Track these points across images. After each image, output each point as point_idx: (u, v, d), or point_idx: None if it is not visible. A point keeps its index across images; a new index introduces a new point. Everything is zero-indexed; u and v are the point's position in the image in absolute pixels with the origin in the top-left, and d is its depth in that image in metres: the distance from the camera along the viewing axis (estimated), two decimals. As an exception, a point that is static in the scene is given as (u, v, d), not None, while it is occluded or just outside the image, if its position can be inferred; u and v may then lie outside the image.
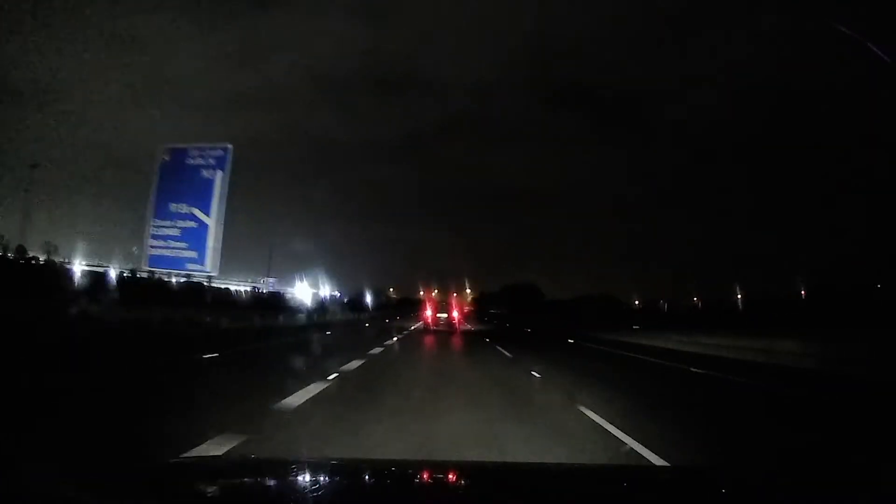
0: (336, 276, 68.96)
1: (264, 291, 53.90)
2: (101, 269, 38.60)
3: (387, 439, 6.31)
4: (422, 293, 67.18)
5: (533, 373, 13.77)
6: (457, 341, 28.19)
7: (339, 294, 68.58)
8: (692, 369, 16.68)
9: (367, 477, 2.50)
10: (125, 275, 36.81)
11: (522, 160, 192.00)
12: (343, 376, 11.57)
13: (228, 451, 5.46)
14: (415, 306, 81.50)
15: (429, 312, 40.08)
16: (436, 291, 44.85)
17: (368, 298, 77.81)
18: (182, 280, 34.91)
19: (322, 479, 2.38)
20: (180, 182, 30.68)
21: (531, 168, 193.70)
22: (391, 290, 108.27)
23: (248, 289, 55.71)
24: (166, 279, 35.44)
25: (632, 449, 6.19)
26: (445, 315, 38.55)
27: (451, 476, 2.60)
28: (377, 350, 18.89)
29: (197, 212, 30.22)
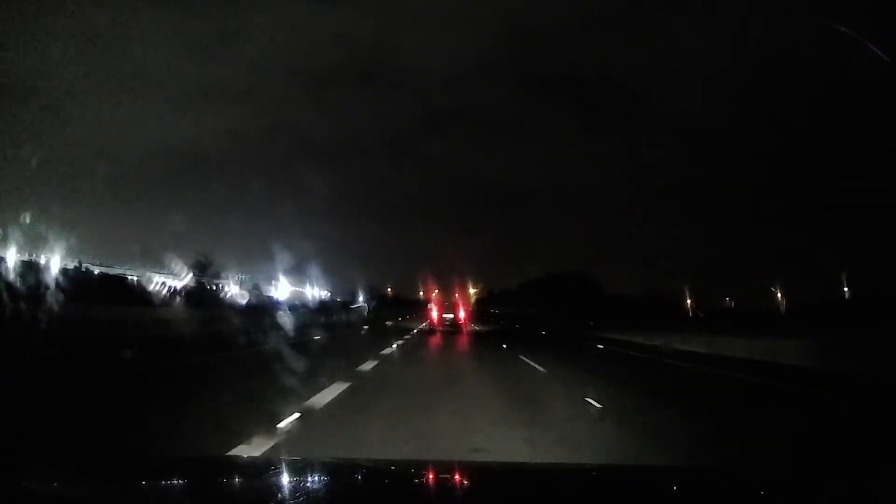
0: (329, 275, 67.24)
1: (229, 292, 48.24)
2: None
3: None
4: (422, 293, 66.65)
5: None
6: (459, 337, 32.53)
7: (329, 294, 66.23)
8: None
9: (367, 477, 2.57)
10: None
11: (513, 155, 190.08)
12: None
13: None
14: (414, 306, 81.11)
15: (434, 313, 39.85)
16: (436, 291, 44.13)
17: (362, 298, 75.11)
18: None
19: (322, 479, 2.49)
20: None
21: (523, 162, 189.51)
22: (389, 289, 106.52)
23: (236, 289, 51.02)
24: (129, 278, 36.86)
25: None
26: (451, 315, 38.85)
27: (451, 476, 2.68)
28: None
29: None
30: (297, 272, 53.84)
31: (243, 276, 53.40)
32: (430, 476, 2.63)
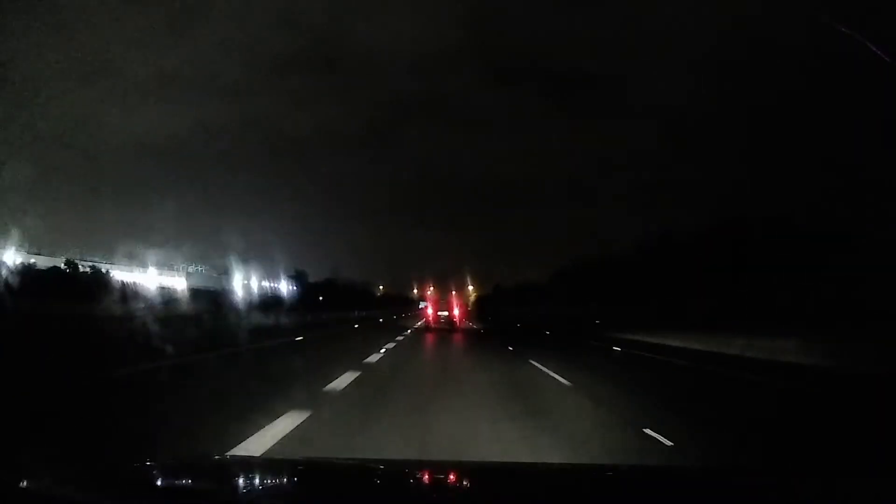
0: (320, 272, 68.99)
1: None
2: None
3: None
4: (415, 291, 67.67)
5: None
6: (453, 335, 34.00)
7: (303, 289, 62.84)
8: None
9: (366, 477, 2.58)
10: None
11: (492, 147, 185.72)
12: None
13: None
14: (408, 305, 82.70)
15: (430, 311, 41.23)
16: (431, 289, 46.64)
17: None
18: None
19: (321, 479, 2.50)
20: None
21: (505, 156, 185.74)
22: (380, 287, 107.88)
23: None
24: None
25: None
26: (446, 313, 39.95)
27: (451, 476, 2.68)
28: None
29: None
30: (274, 267, 53.22)
31: (198, 268, 49.84)
32: (430, 476, 2.63)
